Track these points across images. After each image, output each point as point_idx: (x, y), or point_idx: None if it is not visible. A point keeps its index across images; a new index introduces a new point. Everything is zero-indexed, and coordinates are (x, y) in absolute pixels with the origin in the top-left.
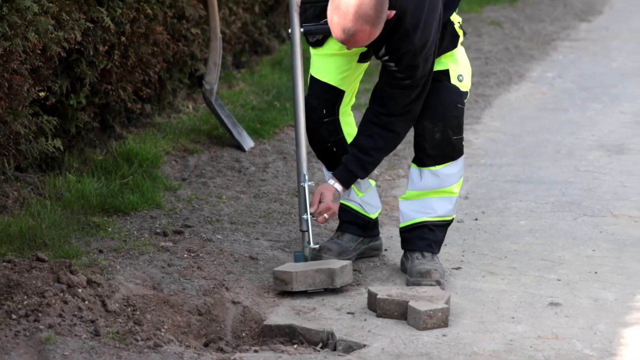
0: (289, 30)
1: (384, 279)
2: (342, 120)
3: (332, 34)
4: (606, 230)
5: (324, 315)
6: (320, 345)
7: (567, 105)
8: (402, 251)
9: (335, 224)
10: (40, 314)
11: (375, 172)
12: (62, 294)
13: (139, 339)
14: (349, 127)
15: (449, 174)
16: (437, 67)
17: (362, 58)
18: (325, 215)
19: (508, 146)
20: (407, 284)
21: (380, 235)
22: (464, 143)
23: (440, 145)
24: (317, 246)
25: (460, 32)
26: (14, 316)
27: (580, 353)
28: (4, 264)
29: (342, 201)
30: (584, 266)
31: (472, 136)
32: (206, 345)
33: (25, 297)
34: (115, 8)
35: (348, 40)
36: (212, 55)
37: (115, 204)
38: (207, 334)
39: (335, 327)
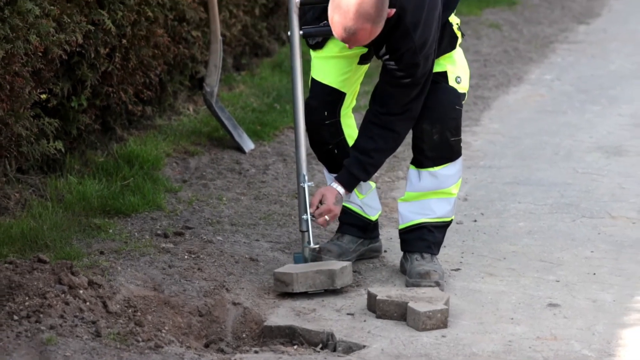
0: (289, 33)
1: (384, 280)
2: (343, 122)
3: (334, 32)
4: (604, 232)
5: (324, 316)
6: (320, 346)
7: (565, 108)
8: (402, 252)
9: (335, 225)
10: (41, 315)
11: (375, 174)
12: (63, 295)
13: (140, 339)
14: (350, 129)
15: (448, 175)
16: (435, 68)
17: (363, 60)
18: (326, 217)
19: (507, 148)
20: (407, 285)
21: (380, 237)
22: (462, 145)
23: (439, 146)
24: (317, 246)
25: (459, 34)
26: (15, 317)
27: (579, 354)
28: (6, 265)
29: (342, 203)
30: (583, 267)
31: (471, 138)
32: (207, 346)
33: (27, 298)
34: (116, 11)
35: (349, 39)
36: (212, 57)
37: (116, 206)
38: (207, 335)
39: (335, 328)
